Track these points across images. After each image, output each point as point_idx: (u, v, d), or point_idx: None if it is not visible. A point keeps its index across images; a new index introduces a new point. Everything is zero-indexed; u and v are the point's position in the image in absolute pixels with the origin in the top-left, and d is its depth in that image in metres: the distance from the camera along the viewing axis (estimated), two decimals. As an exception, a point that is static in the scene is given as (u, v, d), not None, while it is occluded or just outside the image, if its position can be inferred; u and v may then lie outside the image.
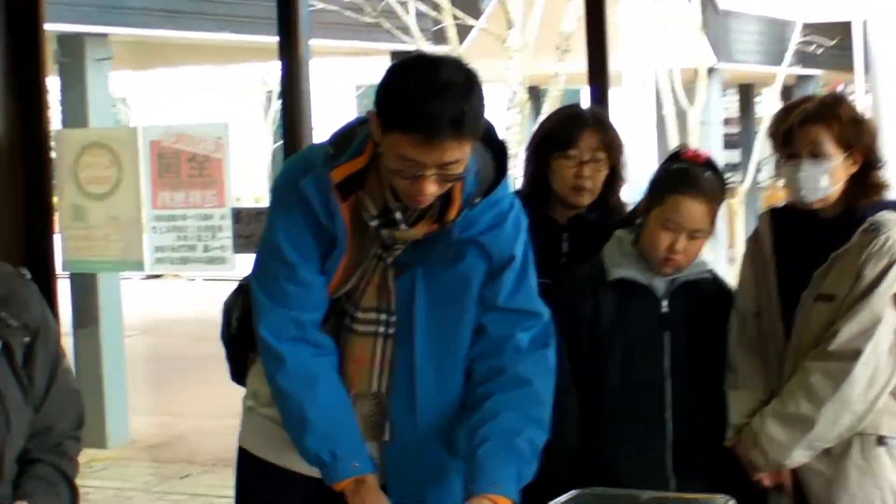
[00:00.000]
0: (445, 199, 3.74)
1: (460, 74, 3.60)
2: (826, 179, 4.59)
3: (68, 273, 9.67)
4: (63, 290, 8.30)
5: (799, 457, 4.61)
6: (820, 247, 4.63)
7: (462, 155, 3.59)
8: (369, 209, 3.76)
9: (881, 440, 4.62)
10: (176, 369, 15.36)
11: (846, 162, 4.61)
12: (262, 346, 3.82)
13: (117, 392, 12.19)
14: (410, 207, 3.72)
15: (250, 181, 23.22)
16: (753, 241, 4.88)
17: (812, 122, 4.60)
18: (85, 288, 11.92)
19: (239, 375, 4.20)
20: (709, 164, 4.90)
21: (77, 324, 12.01)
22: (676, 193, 4.75)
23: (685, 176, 4.80)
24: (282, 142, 6.30)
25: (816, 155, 4.58)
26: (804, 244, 4.70)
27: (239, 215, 6.67)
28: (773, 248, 4.77)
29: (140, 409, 13.07)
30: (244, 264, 4.36)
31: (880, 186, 4.69)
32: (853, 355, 4.49)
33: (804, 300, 4.63)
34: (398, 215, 3.74)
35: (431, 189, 3.61)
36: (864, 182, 4.67)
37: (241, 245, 6.63)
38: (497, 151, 3.90)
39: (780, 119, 4.75)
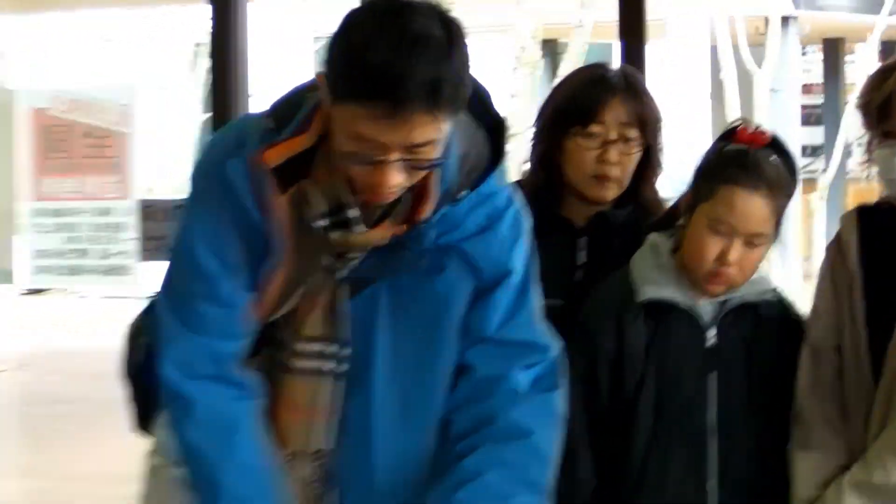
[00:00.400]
0: (417, 193, 3.68)
1: (438, 26, 3.48)
2: None
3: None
4: None
5: None
6: None
7: (437, 134, 3.50)
8: (316, 205, 3.68)
9: None
10: (61, 417, 15.39)
11: None
12: (164, 387, 3.80)
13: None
14: (371, 203, 3.66)
15: (167, 165, 23.14)
16: (835, 251, 4.83)
17: None
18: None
19: (144, 423, 4.16)
20: (775, 145, 4.80)
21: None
22: (731, 184, 4.71)
23: (743, 161, 4.73)
24: (210, 113, 6.29)
25: None
26: None
27: (149, 210, 6.66)
28: (860, 260, 4.76)
29: (12, 470, 13.11)
30: (154, 276, 4.35)
31: None
32: None
33: None
34: (353, 213, 3.67)
35: (397, 179, 3.52)
36: None
37: (149, 250, 6.62)
38: (492, 128, 3.83)
39: (876, 85, 4.70)
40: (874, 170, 4.74)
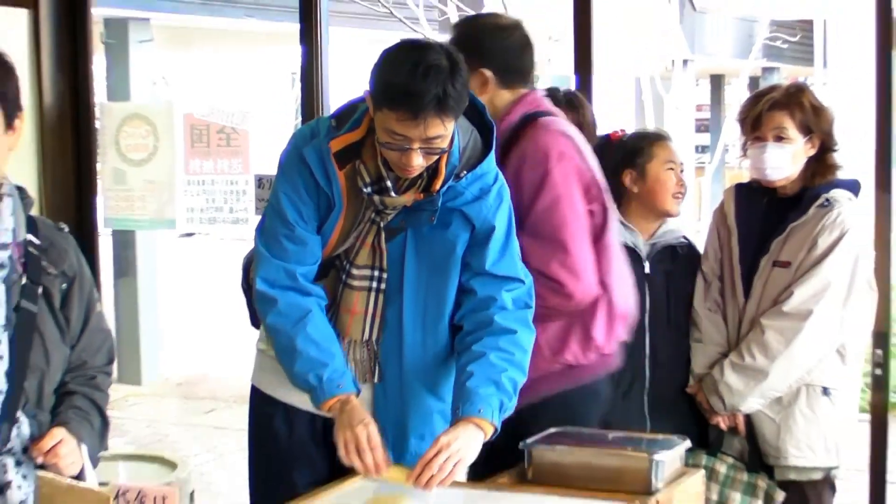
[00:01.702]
0: (432, 171, 3.71)
1: (445, 57, 3.56)
2: (788, 161, 4.68)
3: (110, 230, 9.66)
4: (105, 244, 8.33)
5: (753, 404, 4.67)
6: (778, 220, 4.71)
7: (445, 131, 3.57)
8: (364, 177, 3.73)
9: (825, 391, 4.69)
10: (204, 315, 15.31)
11: (806, 145, 4.70)
12: (256, 293, 3.83)
13: (151, 336, 12.21)
14: (400, 177, 3.70)
15: (272, 151, 23.00)
16: (719, 213, 4.93)
17: (778, 109, 4.69)
18: (124, 243, 11.95)
19: (255, 320, 4.15)
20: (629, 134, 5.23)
21: (117, 274, 12.02)
22: (661, 142, 4.97)
23: (652, 133, 5.12)
24: (300, 119, 6.31)
25: (781, 139, 4.67)
26: (764, 217, 4.77)
27: (261, 181, 6.67)
28: (735, 219, 4.82)
29: (172, 351, 13.11)
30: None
31: (834, 167, 4.76)
32: (805, 315, 4.57)
33: (763, 266, 4.69)
34: (389, 183, 3.71)
35: (417, 161, 3.59)
36: (820, 163, 4.74)
37: (262, 208, 6.62)
38: (484, 129, 3.86)
39: (750, 106, 4.82)
40: (746, 162, 4.84)
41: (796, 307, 4.58)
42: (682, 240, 4.98)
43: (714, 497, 4.66)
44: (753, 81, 25.42)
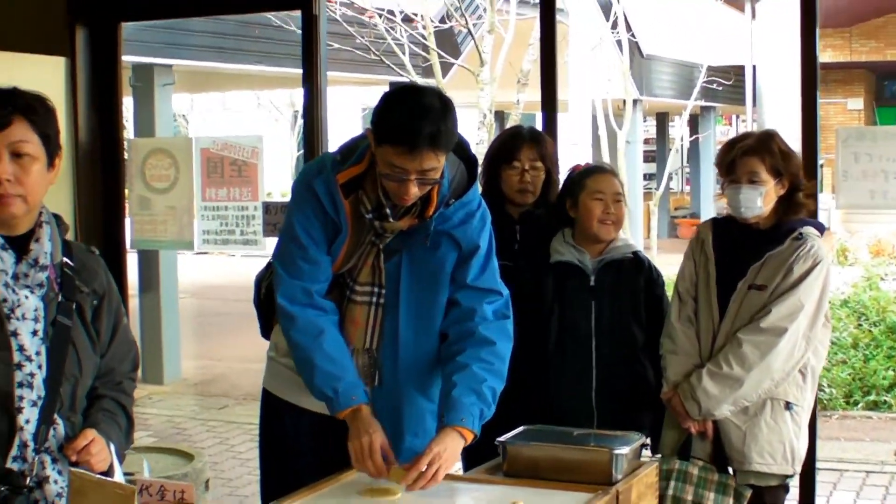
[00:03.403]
0: (425, 199, 3.72)
1: (438, 100, 3.59)
2: (761, 201, 4.66)
3: (136, 250, 9.64)
4: (131, 262, 8.28)
5: (725, 410, 4.64)
6: (754, 249, 4.68)
7: (438, 164, 3.59)
8: (366, 205, 3.75)
9: (788, 405, 4.68)
10: (218, 324, 15.31)
11: (776, 186, 4.68)
12: (279, 310, 3.80)
13: (172, 341, 12.20)
14: (398, 205, 3.71)
15: (278, 180, 23.30)
16: (695, 241, 4.89)
17: (750, 154, 4.67)
18: (148, 261, 11.95)
19: (266, 332, 4.19)
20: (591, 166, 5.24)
21: (142, 288, 12.03)
22: (592, 176, 4.91)
23: (588, 170, 5.00)
24: (303, 151, 6.29)
25: (753, 181, 4.64)
26: (740, 247, 4.73)
27: (268, 207, 6.63)
28: (713, 247, 4.79)
29: (189, 355, 13.08)
30: (271, 245, 4.33)
31: (802, 205, 4.75)
32: (780, 332, 4.55)
33: (740, 288, 4.67)
34: (388, 210, 3.73)
35: (413, 190, 3.61)
36: (790, 202, 4.73)
37: (269, 231, 6.61)
38: (468, 162, 3.87)
39: (725, 152, 4.79)
40: (723, 201, 4.82)
41: (773, 324, 4.56)
42: (630, 255, 4.94)
43: (689, 497, 4.64)
44: (693, 118, 25.52)
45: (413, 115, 3.52)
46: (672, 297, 4.86)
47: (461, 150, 3.84)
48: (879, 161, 5.36)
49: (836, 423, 9.65)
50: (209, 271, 20.86)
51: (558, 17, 6.43)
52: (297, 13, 6.27)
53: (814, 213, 4.94)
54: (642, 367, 4.89)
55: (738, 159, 4.69)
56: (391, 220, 3.75)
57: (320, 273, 3.79)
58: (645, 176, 25.48)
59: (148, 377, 11.75)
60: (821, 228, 4.78)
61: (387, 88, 3.84)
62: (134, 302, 11.81)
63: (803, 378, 4.71)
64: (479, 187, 3.93)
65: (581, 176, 4.95)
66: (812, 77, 5.34)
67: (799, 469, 4.81)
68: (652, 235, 20.38)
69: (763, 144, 4.70)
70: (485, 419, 3.74)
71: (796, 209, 4.74)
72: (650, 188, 24.19)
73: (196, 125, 29.71)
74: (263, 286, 4.12)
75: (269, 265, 4.12)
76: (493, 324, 3.87)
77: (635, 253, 4.96)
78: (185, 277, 14.74)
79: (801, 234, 4.65)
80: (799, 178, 4.75)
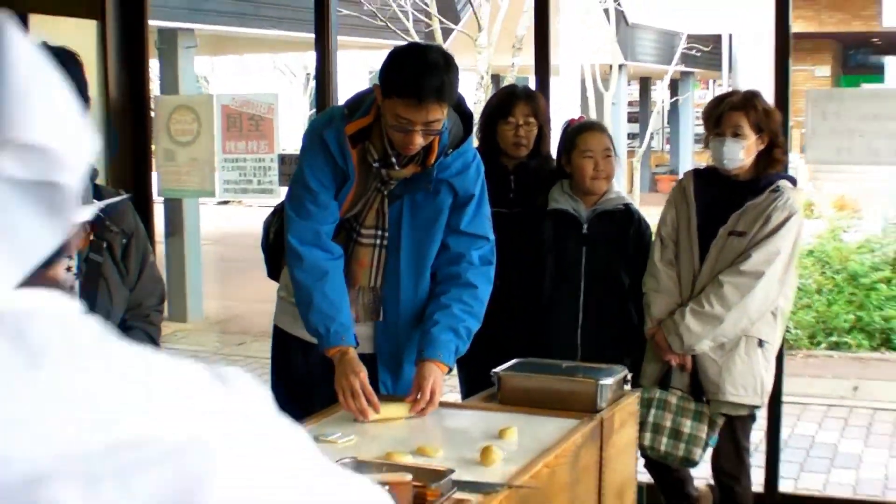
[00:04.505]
0: (426, 149, 3.72)
1: (441, 57, 3.59)
2: (743, 153, 4.67)
3: (162, 199, 9.63)
4: (158, 210, 8.28)
5: (704, 346, 4.67)
6: (734, 199, 4.70)
7: (441, 116, 3.59)
8: (373, 154, 3.75)
9: (760, 343, 4.72)
10: (236, 269, 15.28)
11: (757, 141, 4.70)
12: (288, 248, 3.81)
13: (195, 283, 12.20)
14: (402, 154, 3.70)
15: (292, 138, 23.04)
16: (678, 190, 4.92)
17: (735, 110, 4.69)
18: (173, 209, 11.92)
19: (273, 274, 4.21)
20: (587, 121, 5.24)
21: (168, 234, 12.01)
22: (581, 134, 4.89)
23: (579, 126, 4.98)
24: (314, 110, 6.28)
25: (737, 135, 4.66)
26: (721, 197, 4.74)
27: (283, 159, 6.62)
28: (694, 196, 4.80)
29: (211, 295, 13.08)
30: (286, 193, 4.33)
31: (780, 161, 4.78)
32: (758, 276, 4.58)
33: (721, 234, 4.69)
34: (393, 159, 3.73)
35: (418, 140, 3.60)
36: (769, 156, 4.75)
37: (284, 181, 6.58)
38: (464, 116, 3.87)
39: (713, 107, 4.82)
40: (702, 159, 4.92)
41: (752, 268, 4.59)
42: (621, 206, 4.93)
43: (668, 424, 4.70)
44: (673, 83, 25.41)
45: (420, 71, 3.51)
46: (654, 241, 4.86)
47: (457, 104, 3.83)
48: (847, 120, 5.36)
49: (800, 361, 9.67)
50: (229, 220, 20.79)
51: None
52: (311, -20, 6.24)
53: (786, 169, 4.96)
54: (627, 309, 4.91)
55: (724, 114, 4.69)
56: (396, 168, 3.75)
57: (328, 216, 3.79)
58: (629, 135, 25.44)
59: (173, 316, 11.76)
60: (794, 182, 4.81)
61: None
62: (160, 248, 11.78)
63: (774, 318, 4.74)
64: (473, 139, 3.93)
65: (573, 133, 4.95)
66: (785, 46, 5.33)
67: (766, 401, 4.85)
68: (634, 190, 20.42)
69: (748, 101, 4.71)
70: (459, 354, 3.82)
71: (774, 164, 4.75)
72: (633, 147, 24.13)
73: (217, 86, 29.62)
74: (272, 231, 4.14)
75: (275, 211, 4.16)
76: (478, 269, 3.89)
77: (627, 205, 4.96)
78: (207, 226, 14.71)
79: (778, 186, 4.67)
80: (778, 134, 4.76)
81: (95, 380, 1.02)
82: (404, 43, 3.82)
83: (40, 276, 1.07)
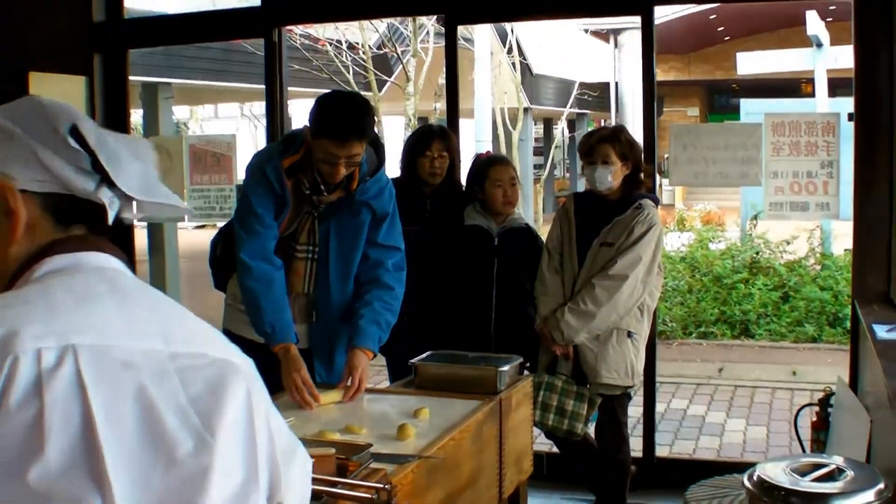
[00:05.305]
0: (349, 177, 3.70)
1: (361, 103, 3.60)
2: (611, 177, 4.70)
3: (145, 223, 9.52)
4: (141, 233, 8.17)
5: (582, 338, 4.69)
6: (605, 216, 4.73)
7: (361, 150, 3.58)
8: (305, 184, 3.73)
9: (629, 334, 4.73)
10: (206, 280, 15.16)
11: (623, 167, 4.72)
12: (239, 263, 3.76)
13: (174, 293, 12.06)
14: (329, 182, 3.68)
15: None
16: (562, 210, 4.94)
17: (604, 142, 4.71)
18: (155, 233, 11.80)
19: (218, 284, 4.19)
20: (492, 156, 5.29)
21: (151, 253, 11.88)
22: (490, 168, 4.92)
23: (490, 160, 5.04)
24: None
25: (606, 163, 4.68)
26: (595, 214, 4.76)
27: (239, 188, 6.55)
28: (574, 214, 4.82)
29: (185, 303, 12.90)
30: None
31: (643, 183, 4.82)
32: (623, 278, 4.60)
33: (594, 245, 4.71)
34: (322, 187, 3.71)
35: (342, 171, 3.59)
36: (633, 180, 4.78)
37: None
38: (379, 148, 3.85)
39: (586, 140, 4.85)
40: (583, 179, 4.87)
41: (618, 272, 4.61)
42: (523, 225, 5.00)
43: (554, 403, 4.70)
44: (571, 122, 25.53)
45: (342, 114, 3.52)
46: (543, 252, 4.87)
47: (373, 140, 3.81)
48: (701, 150, 5.41)
49: (675, 348, 9.72)
50: (204, 242, 20.61)
51: (466, 44, 6.40)
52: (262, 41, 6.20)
53: (651, 190, 4.99)
54: (529, 309, 4.91)
55: (595, 145, 4.72)
56: (325, 194, 3.73)
57: (271, 235, 3.76)
58: (535, 166, 25.50)
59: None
60: (656, 201, 4.82)
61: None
62: (144, 266, 11.68)
63: (641, 313, 4.76)
64: (385, 169, 3.90)
65: (483, 166, 4.97)
66: (651, 90, 5.36)
67: (638, 382, 4.87)
68: (539, 210, 20.46)
69: (614, 135, 4.74)
70: (381, 343, 3.81)
71: (637, 185, 4.78)
72: (539, 175, 24.18)
73: (194, 130, 29.38)
74: (218, 248, 4.11)
75: (220, 231, 4.13)
76: (393, 274, 3.89)
77: (527, 224, 5.04)
78: (185, 244, 14.55)
79: (640, 204, 4.69)
80: (640, 161, 4.80)
81: (155, 309, 1.30)
82: (328, 91, 3.78)
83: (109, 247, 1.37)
